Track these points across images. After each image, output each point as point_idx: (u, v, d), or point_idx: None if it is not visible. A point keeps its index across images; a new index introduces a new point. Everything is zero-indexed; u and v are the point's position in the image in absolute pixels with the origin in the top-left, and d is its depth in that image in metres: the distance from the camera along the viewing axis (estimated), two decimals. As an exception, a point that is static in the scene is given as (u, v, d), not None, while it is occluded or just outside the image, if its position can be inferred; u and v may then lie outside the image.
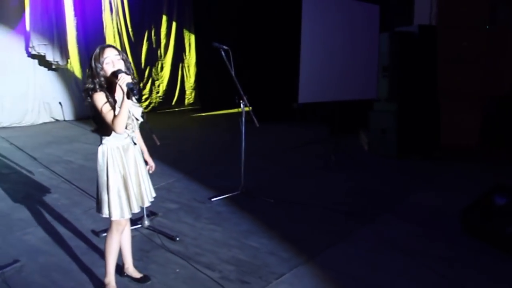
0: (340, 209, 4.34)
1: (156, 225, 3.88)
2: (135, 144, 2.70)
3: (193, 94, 13.68)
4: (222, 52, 4.40)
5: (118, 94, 2.50)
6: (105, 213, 2.61)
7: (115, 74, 2.45)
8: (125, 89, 2.42)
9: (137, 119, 2.66)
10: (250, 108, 4.59)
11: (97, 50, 2.49)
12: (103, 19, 11.15)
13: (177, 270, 3.10)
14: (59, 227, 3.87)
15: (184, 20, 13.14)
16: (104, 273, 2.77)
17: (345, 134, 7.69)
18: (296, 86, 5.48)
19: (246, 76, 8.05)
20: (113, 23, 11.37)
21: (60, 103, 10.45)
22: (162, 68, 12.84)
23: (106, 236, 2.76)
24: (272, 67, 9.84)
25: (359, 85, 6.18)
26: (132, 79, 2.52)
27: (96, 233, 3.69)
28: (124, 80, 2.41)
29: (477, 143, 7.01)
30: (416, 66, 6.67)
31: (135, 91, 2.42)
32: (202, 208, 4.43)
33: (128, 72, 2.52)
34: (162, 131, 8.76)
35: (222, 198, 4.67)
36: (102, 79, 2.48)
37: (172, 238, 3.60)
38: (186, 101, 13.59)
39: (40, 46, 9.65)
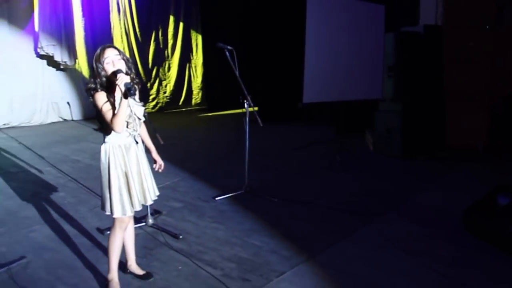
0: (344, 208, 4.35)
1: (160, 224, 3.93)
2: (137, 143, 2.74)
3: (200, 94, 13.75)
4: (227, 52, 4.44)
5: (118, 94, 2.55)
6: (108, 210, 2.66)
7: (114, 74, 2.50)
8: (123, 89, 2.46)
9: (139, 119, 2.70)
10: (256, 108, 4.62)
11: (98, 51, 2.55)
12: (111, 20, 11.27)
13: (180, 268, 3.14)
14: (65, 225, 3.94)
15: (191, 20, 13.23)
16: (107, 270, 2.81)
17: (351, 134, 7.70)
18: (301, 86, 5.51)
19: (252, 76, 8.11)
20: (121, 23, 11.48)
21: (68, 103, 10.58)
22: (169, 68, 12.93)
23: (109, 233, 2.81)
24: (279, 66, 9.87)
25: (364, 85, 6.18)
26: (132, 79, 2.57)
27: (101, 231, 3.74)
28: (122, 80, 2.45)
29: (485, 143, 6.96)
30: (422, 66, 6.66)
31: (132, 91, 2.45)
32: (206, 207, 4.47)
33: (129, 72, 2.57)
34: (169, 131, 8.85)
35: (226, 197, 4.70)
36: (104, 79, 2.54)
37: (175, 236, 3.65)
38: (193, 101, 13.67)
39: (49, 47, 9.79)
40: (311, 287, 2.88)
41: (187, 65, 13.39)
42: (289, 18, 9.03)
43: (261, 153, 6.65)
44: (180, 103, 13.25)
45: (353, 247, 3.50)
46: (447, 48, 6.89)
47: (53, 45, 9.84)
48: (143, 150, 2.85)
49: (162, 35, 12.58)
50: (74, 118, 10.68)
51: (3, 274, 2.99)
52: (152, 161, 3.01)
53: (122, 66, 2.55)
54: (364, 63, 6.07)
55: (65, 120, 10.59)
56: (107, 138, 2.65)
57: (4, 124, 9.45)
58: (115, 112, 2.51)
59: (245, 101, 4.64)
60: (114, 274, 2.79)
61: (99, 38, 10.64)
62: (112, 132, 2.59)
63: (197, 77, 13.66)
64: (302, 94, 5.52)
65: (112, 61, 2.53)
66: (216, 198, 4.68)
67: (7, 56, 9.36)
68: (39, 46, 9.72)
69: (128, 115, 2.60)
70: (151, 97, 12.43)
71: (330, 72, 5.73)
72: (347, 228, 3.89)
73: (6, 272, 3.01)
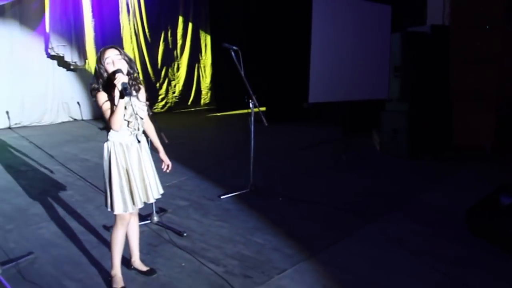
0: (348, 208, 4.37)
1: (165, 221, 3.99)
2: (139, 141, 2.78)
3: (209, 94, 13.82)
4: (232, 53, 4.48)
5: (116, 93, 2.59)
6: (109, 207, 2.72)
7: (114, 73, 2.55)
8: (120, 88, 2.51)
9: (141, 118, 2.75)
10: (262, 108, 4.65)
11: (99, 52, 2.61)
12: (120, 20, 11.39)
13: (183, 264, 3.19)
14: (72, 222, 4.02)
15: (200, 21, 13.30)
16: (111, 266, 2.87)
17: (358, 134, 7.70)
18: (307, 86, 5.52)
19: (259, 77, 8.14)
20: (130, 24, 11.59)
21: (78, 102, 10.73)
22: (178, 68, 13.02)
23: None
24: (285, 66, 9.88)
25: (370, 85, 6.17)
26: (133, 78, 2.62)
27: (107, 228, 3.81)
28: (120, 79, 2.50)
29: (492, 143, 6.92)
30: (429, 66, 6.65)
31: (127, 91, 2.50)
32: (211, 206, 4.52)
33: (131, 71, 2.62)
34: (177, 131, 8.93)
35: (231, 196, 4.75)
36: (105, 79, 2.60)
37: (179, 234, 3.70)
38: (202, 101, 13.74)
39: (59, 47, 9.93)
40: (311, 284, 2.91)
41: (196, 65, 13.47)
42: (295, 19, 9.04)
43: (268, 153, 6.69)
44: (189, 103, 13.34)
45: (355, 246, 3.52)
46: (454, 48, 6.86)
47: (64, 45, 9.98)
48: (147, 149, 2.89)
49: (171, 36, 12.66)
50: (84, 118, 10.82)
51: (12, 269, 3.07)
52: (159, 161, 3.05)
53: (122, 65, 2.60)
54: (370, 63, 6.06)
55: (75, 119, 10.73)
56: (110, 136, 2.70)
57: (16, 124, 9.62)
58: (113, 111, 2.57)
59: (250, 101, 4.68)
60: (117, 270, 2.85)
61: (109, 39, 10.77)
62: (113, 130, 2.65)
63: (206, 77, 13.74)
64: (308, 94, 5.53)
65: (113, 61, 2.58)
66: (221, 197, 4.73)
67: (19, 57, 9.54)
68: (50, 46, 9.87)
69: (129, 114, 2.65)
70: (160, 97, 12.53)
71: (336, 72, 5.73)
72: (351, 227, 3.91)
73: (14, 267, 3.10)
